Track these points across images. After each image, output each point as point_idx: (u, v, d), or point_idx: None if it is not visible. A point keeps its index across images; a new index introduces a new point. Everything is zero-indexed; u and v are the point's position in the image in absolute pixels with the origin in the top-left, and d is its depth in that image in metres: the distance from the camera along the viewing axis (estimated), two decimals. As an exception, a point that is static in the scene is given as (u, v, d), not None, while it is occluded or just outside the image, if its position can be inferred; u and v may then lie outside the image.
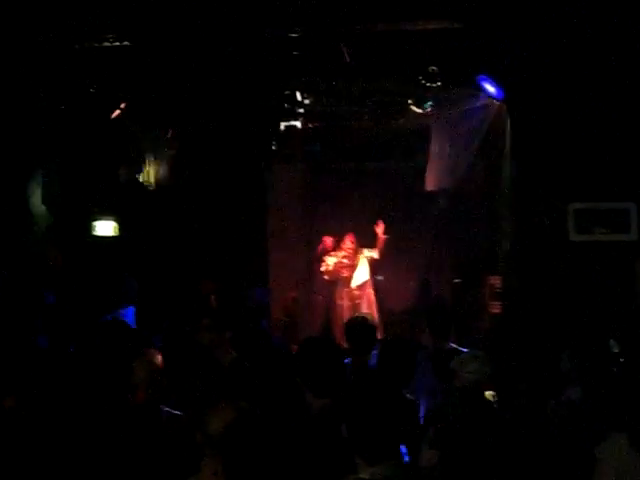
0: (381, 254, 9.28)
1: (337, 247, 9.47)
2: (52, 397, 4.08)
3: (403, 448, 3.17)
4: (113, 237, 9.17)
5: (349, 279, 9.41)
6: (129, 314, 6.85)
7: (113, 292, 7.08)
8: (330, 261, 9.32)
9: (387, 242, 9.29)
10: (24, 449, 3.63)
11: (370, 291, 9.45)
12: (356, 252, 9.41)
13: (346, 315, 9.00)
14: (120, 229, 9.21)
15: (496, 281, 8.04)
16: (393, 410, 2.75)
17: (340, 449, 2.89)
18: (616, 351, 4.24)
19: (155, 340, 5.65)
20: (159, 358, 4.17)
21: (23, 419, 3.78)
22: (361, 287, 9.41)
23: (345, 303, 9.34)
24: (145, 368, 4.06)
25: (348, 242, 9.40)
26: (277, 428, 3.21)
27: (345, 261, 9.33)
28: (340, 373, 3.41)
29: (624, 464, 3.01)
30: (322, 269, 9.43)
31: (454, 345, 5.21)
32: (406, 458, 3.21)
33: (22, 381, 4.00)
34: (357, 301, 9.33)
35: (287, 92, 8.20)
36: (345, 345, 5.27)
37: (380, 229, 9.20)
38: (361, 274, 9.41)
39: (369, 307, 9.14)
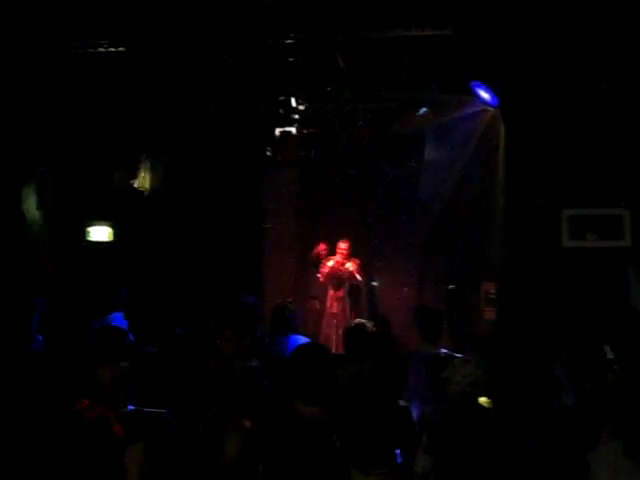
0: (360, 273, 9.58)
1: (333, 251, 9.60)
2: (44, 400, 4.07)
3: (398, 453, 3.16)
4: (108, 242, 9.16)
5: (339, 284, 9.52)
6: (117, 320, 6.81)
7: (100, 298, 7.04)
8: (330, 263, 9.45)
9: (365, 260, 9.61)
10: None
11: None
12: (348, 257, 9.52)
13: (336, 321, 9.11)
14: (115, 234, 9.20)
15: (490, 287, 8.04)
16: (386, 418, 2.74)
17: (333, 459, 2.86)
18: (610, 357, 4.24)
19: (148, 346, 5.64)
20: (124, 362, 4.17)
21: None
22: (350, 294, 9.55)
23: (335, 309, 9.43)
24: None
25: (342, 244, 9.51)
26: (269, 439, 3.18)
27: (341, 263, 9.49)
28: (331, 382, 3.36)
29: (618, 471, 3.01)
30: (320, 271, 9.55)
31: (448, 351, 5.21)
32: (399, 460, 3.19)
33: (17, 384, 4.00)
34: (347, 307, 9.47)
35: (282, 98, 8.21)
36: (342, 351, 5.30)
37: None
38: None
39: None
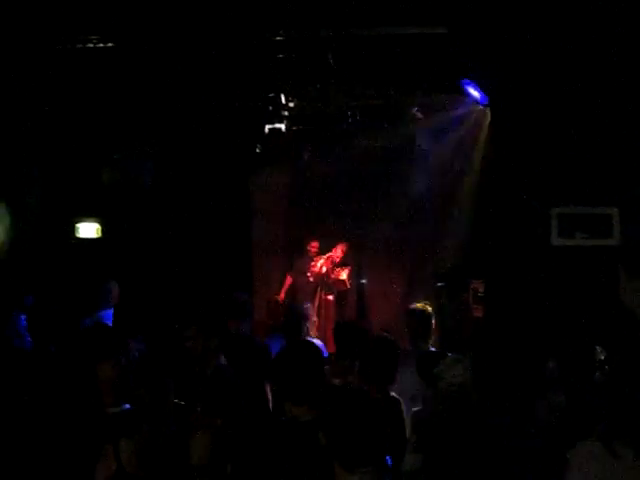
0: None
1: (325, 252, 9.61)
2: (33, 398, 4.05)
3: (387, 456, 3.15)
4: (96, 239, 9.13)
5: (328, 285, 9.54)
6: (108, 317, 6.79)
7: (93, 295, 7.01)
8: (320, 263, 9.46)
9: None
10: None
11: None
12: (341, 264, 9.59)
13: (324, 322, 9.13)
14: (103, 231, 9.16)
15: (479, 285, 8.05)
16: (374, 413, 2.73)
17: (317, 457, 2.83)
18: (602, 358, 4.24)
19: (137, 343, 5.61)
20: (122, 359, 4.13)
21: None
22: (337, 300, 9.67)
23: (322, 310, 9.46)
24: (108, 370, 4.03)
25: (339, 250, 9.55)
26: (253, 437, 3.16)
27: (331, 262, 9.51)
28: (319, 380, 3.29)
29: (598, 470, 2.98)
30: (310, 270, 9.56)
31: (436, 349, 5.21)
32: (388, 459, 3.17)
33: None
34: (334, 310, 9.53)
35: (272, 95, 8.18)
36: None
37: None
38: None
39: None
